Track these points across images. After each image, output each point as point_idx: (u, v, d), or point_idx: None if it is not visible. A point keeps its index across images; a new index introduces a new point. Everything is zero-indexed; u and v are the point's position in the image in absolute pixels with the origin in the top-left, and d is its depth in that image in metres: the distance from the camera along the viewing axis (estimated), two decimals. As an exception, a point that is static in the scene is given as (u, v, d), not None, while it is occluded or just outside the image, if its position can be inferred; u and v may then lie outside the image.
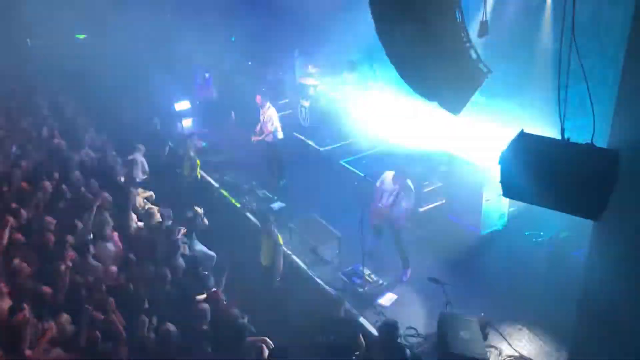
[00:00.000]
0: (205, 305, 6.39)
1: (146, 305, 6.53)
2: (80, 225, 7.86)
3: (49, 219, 7.70)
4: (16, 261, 6.75)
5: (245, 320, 6.31)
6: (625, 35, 4.39)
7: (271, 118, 10.74)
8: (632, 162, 4.23)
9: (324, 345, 6.49)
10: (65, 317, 5.99)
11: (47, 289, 6.35)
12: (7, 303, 6.04)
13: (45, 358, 5.54)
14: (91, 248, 7.35)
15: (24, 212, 7.86)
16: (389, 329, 6.27)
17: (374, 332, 7.26)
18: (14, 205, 7.94)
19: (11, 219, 7.35)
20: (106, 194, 8.64)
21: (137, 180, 10.19)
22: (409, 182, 8.20)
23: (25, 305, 5.81)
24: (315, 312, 7.37)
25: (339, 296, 7.14)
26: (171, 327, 6.00)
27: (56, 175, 9.05)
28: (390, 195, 8.19)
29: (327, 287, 8.37)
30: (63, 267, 6.66)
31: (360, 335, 6.62)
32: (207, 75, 13.86)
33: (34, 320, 5.77)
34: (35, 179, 8.84)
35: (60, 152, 10.08)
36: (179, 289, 6.99)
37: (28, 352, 5.48)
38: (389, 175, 8.33)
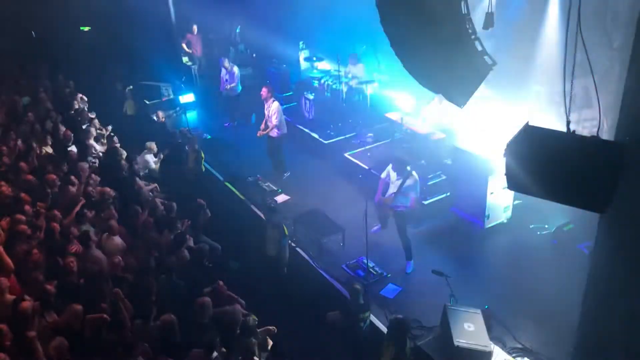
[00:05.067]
0: (206, 299, 6.40)
1: (153, 297, 6.56)
2: (89, 215, 7.91)
3: (54, 210, 7.76)
4: (21, 253, 6.80)
5: (251, 318, 6.30)
6: (632, 26, 4.35)
7: (275, 112, 10.73)
8: (638, 155, 4.21)
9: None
10: (74, 307, 6.03)
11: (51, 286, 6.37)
12: (9, 296, 6.08)
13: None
14: (95, 240, 7.40)
15: (29, 204, 7.93)
16: (400, 325, 6.28)
17: (377, 323, 7.31)
18: (22, 194, 8.00)
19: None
20: (108, 188, 8.69)
21: (141, 173, 10.27)
22: (413, 172, 8.18)
23: (27, 297, 5.87)
24: (320, 304, 7.41)
25: (357, 285, 7.10)
26: (172, 317, 6.03)
27: (64, 167, 9.12)
28: (394, 187, 8.18)
29: (330, 279, 8.39)
30: (67, 259, 6.73)
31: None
32: (235, 68, 13.47)
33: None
34: (42, 172, 8.90)
35: (66, 145, 10.12)
36: (184, 280, 7.02)
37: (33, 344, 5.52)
38: (390, 167, 8.33)
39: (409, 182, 8.10)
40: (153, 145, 10.80)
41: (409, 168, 8.15)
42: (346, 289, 7.22)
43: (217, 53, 16.19)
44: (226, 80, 13.38)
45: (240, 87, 13.45)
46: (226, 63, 13.28)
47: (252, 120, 13.29)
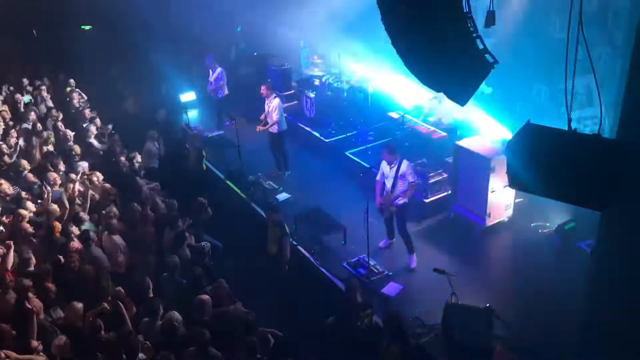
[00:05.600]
0: (205, 297, 6.40)
1: (151, 294, 6.57)
2: (85, 217, 7.91)
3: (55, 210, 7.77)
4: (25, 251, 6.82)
5: (251, 316, 6.30)
6: (634, 24, 4.34)
7: (276, 108, 10.74)
8: (639, 152, 4.21)
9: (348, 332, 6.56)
10: (75, 305, 6.04)
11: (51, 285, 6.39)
12: (13, 295, 6.09)
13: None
14: (94, 238, 7.41)
15: (30, 202, 7.95)
16: (393, 320, 6.29)
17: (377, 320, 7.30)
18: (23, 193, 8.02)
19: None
20: (110, 186, 8.70)
21: (154, 166, 10.44)
22: (404, 161, 8.19)
23: (30, 295, 5.88)
24: (321, 301, 7.40)
25: (354, 282, 7.09)
26: (176, 314, 6.03)
27: (62, 167, 9.13)
28: (391, 178, 8.19)
29: (332, 277, 8.39)
30: (70, 257, 6.75)
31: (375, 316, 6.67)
32: (219, 69, 13.32)
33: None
34: (43, 170, 8.92)
35: (67, 144, 10.13)
36: (185, 278, 7.02)
37: (34, 343, 5.53)
38: (383, 163, 8.34)
39: (403, 167, 8.11)
40: (155, 133, 10.89)
41: (404, 162, 8.17)
42: (344, 286, 7.18)
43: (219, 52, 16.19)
44: (211, 82, 13.25)
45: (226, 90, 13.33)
46: (210, 63, 13.13)
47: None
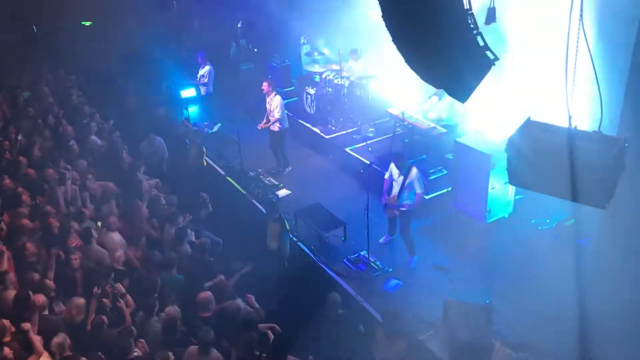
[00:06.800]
0: (208, 294, 6.40)
1: (156, 293, 6.57)
2: (86, 212, 7.91)
3: (51, 207, 7.76)
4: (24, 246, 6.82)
5: (256, 313, 6.30)
6: (635, 21, 4.33)
7: (277, 106, 10.72)
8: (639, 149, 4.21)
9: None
10: (77, 301, 6.04)
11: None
12: (12, 291, 6.09)
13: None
14: (95, 235, 7.40)
15: (29, 199, 7.94)
16: (392, 318, 6.30)
17: (378, 318, 7.30)
18: (20, 189, 8.01)
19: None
20: (112, 184, 8.69)
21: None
22: (413, 167, 8.17)
23: (30, 292, 5.88)
24: (320, 300, 7.41)
25: (333, 297, 7.01)
26: (177, 309, 6.04)
27: (62, 163, 9.12)
28: (398, 185, 8.18)
29: (332, 273, 8.40)
30: (71, 255, 6.76)
31: (361, 326, 6.65)
32: (206, 67, 13.24)
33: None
34: (42, 166, 8.90)
35: (67, 140, 10.12)
36: (185, 274, 7.03)
37: (37, 338, 5.54)
38: (393, 165, 8.32)
39: (411, 176, 8.09)
40: (151, 136, 10.87)
41: (413, 169, 8.15)
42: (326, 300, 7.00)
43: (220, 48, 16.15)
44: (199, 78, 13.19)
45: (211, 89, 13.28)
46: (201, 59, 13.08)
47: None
